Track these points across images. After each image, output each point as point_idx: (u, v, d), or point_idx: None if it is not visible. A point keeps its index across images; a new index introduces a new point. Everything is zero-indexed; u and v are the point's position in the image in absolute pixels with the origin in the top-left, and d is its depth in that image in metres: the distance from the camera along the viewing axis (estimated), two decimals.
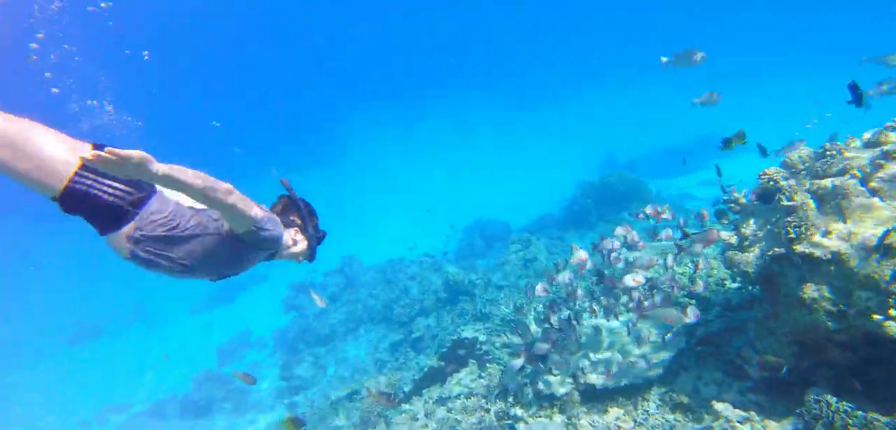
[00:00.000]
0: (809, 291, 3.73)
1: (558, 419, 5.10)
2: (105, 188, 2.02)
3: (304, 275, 17.59)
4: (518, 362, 5.62)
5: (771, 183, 4.15)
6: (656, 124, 34.00)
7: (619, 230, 5.56)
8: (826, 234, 3.67)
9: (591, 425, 4.65)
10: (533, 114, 47.66)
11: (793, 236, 3.73)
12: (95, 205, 2.03)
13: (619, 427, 4.46)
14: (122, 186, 2.06)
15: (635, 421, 4.74)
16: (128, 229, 2.13)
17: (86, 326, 25.92)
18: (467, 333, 7.87)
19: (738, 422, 4.02)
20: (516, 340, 7.07)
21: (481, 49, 45.78)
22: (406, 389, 7.94)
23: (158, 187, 2.18)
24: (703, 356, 5.28)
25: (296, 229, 2.80)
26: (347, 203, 35.40)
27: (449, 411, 6.51)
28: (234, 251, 2.44)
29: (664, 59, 5.67)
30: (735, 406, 4.45)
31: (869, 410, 3.70)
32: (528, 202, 23.43)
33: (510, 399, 5.85)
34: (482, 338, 7.81)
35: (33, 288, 32.08)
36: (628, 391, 5.18)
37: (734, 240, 4.37)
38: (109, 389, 18.01)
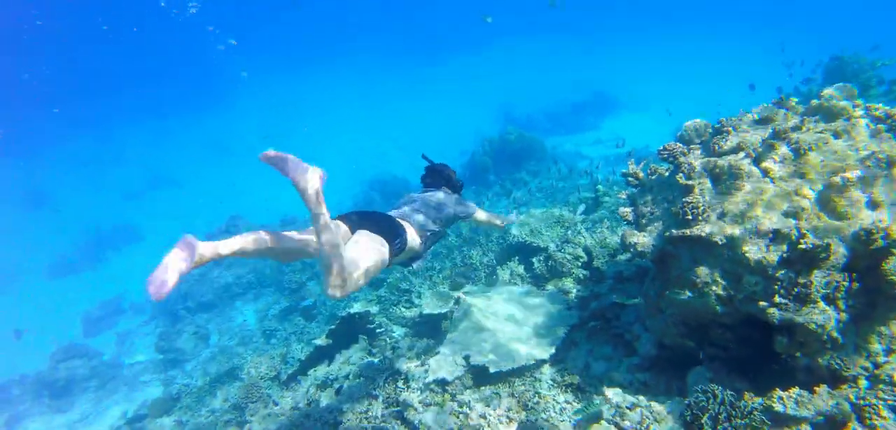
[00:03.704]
0: (702, 274, 3.58)
1: (450, 406, 4.73)
2: (395, 250, 3.01)
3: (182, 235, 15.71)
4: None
5: (671, 159, 3.94)
6: (553, 81, 34.87)
7: None
8: (721, 216, 3.50)
9: (481, 417, 4.32)
10: (433, 68, 46.88)
11: (689, 217, 3.52)
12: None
13: (509, 418, 4.18)
14: (399, 243, 3.07)
15: (526, 406, 4.49)
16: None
17: None
18: (358, 306, 7.27)
19: (628, 409, 3.87)
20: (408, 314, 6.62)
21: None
22: (291, 369, 7.23)
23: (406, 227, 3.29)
24: (595, 331, 5.18)
25: (445, 186, 4.08)
26: (236, 153, 32.55)
27: (337, 393, 5.95)
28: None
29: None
30: (623, 385, 4.36)
31: (743, 389, 3.74)
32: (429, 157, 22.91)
33: (400, 383, 5.41)
34: (374, 309, 7.27)
35: None
36: (520, 372, 4.94)
37: (631, 216, 4.15)
38: None
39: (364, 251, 2.81)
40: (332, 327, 6.93)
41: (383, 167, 21.87)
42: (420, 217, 3.49)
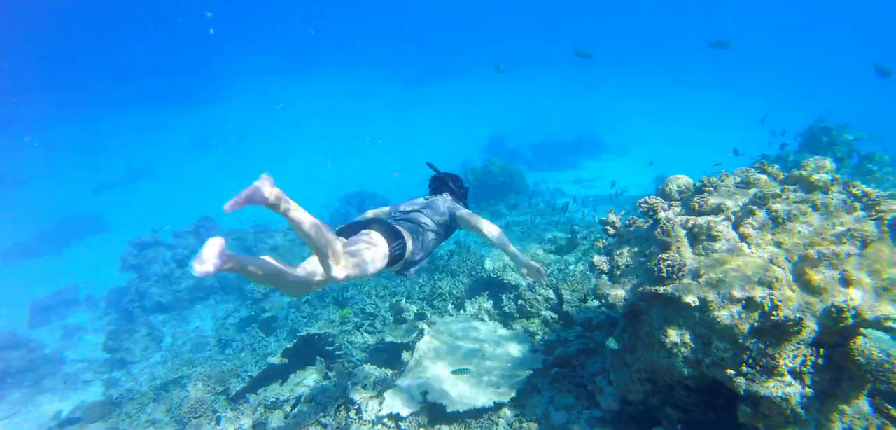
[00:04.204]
0: (672, 334, 3.46)
1: None
2: (395, 252, 3.18)
3: (150, 232, 15.11)
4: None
5: (650, 213, 3.85)
6: (542, 116, 35.35)
7: None
8: (696, 276, 3.39)
9: None
10: (423, 89, 47.12)
11: (664, 274, 3.41)
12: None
13: None
14: (398, 246, 3.23)
15: None
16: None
17: None
18: (319, 326, 6.97)
19: None
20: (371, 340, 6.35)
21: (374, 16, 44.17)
22: (242, 385, 6.85)
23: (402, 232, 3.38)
24: (558, 379, 5.00)
25: (447, 193, 3.98)
26: (214, 152, 31.85)
27: (286, 416, 5.62)
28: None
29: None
30: None
31: None
32: (411, 179, 22.84)
33: (353, 413, 5.12)
34: (334, 331, 6.97)
35: None
36: (479, 413, 4.72)
37: (606, 267, 4.02)
38: None
39: (367, 244, 2.98)
40: (290, 345, 6.60)
41: (361, 184, 21.58)
42: (418, 225, 3.52)
